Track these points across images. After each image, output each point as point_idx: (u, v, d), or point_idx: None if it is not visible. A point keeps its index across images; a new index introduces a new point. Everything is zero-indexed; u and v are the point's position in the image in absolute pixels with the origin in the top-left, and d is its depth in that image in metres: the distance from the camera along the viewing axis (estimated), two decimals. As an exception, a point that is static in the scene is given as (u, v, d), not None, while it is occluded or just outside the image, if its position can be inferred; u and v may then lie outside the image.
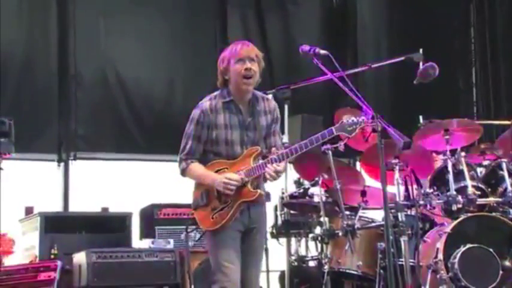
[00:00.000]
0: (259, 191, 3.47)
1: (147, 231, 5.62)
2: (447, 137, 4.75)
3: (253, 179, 3.46)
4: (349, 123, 3.39)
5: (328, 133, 3.43)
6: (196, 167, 3.54)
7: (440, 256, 4.36)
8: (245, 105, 3.56)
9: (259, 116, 3.57)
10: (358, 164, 6.36)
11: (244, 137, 3.53)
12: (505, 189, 4.72)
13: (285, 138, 4.85)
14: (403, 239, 4.31)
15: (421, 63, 4.88)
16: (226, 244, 3.44)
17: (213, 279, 3.44)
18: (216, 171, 3.50)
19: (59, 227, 5.34)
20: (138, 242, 5.61)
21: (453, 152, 4.78)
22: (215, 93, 3.60)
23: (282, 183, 5.01)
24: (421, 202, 4.59)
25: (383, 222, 4.22)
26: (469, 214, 4.55)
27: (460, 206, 4.58)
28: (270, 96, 3.85)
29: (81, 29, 6.49)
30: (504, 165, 4.77)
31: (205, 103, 3.55)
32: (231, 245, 3.44)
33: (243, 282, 3.47)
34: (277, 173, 3.42)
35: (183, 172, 3.58)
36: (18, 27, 6.35)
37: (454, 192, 4.60)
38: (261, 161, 3.46)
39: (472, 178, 4.75)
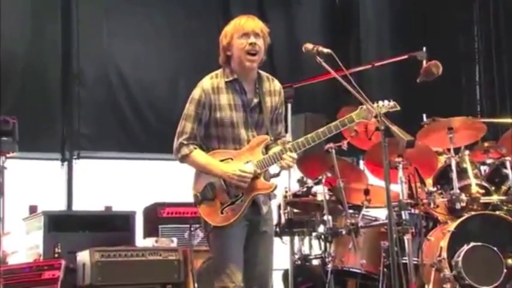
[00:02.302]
0: (275, 183, 3.30)
1: (150, 230, 5.63)
2: (451, 135, 4.75)
3: (265, 171, 3.29)
4: (369, 109, 3.27)
5: (348, 120, 3.32)
6: (200, 155, 3.28)
7: (444, 254, 4.36)
8: (250, 85, 3.32)
9: (264, 97, 3.32)
10: (361, 163, 6.36)
11: (248, 118, 3.30)
12: (509, 187, 4.71)
13: (288, 137, 4.84)
14: (407, 238, 4.30)
15: (424, 62, 4.87)
16: (231, 244, 3.28)
17: (217, 279, 3.30)
18: (220, 161, 3.27)
19: (62, 225, 5.36)
20: (141, 240, 5.62)
21: (457, 150, 4.78)
22: (216, 71, 3.35)
23: (285, 182, 5.00)
24: (425, 200, 4.58)
25: (386, 221, 4.22)
26: (473, 213, 4.54)
27: (463, 204, 4.57)
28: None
29: (84, 28, 6.50)
30: (508, 164, 4.76)
31: (206, 82, 3.29)
32: (236, 243, 3.29)
33: (251, 278, 3.32)
34: (294, 161, 3.27)
35: (183, 158, 3.30)
36: (22, 27, 6.37)
37: (458, 191, 4.60)
38: (272, 152, 3.27)
39: (476, 176, 4.74)
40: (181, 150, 3.31)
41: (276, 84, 3.44)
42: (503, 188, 4.76)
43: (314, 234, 4.95)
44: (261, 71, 3.41)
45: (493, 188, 4.75)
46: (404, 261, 4.24)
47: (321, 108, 6.63)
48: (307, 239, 5.17)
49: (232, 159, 3.29)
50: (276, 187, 3.33)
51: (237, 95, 3.31)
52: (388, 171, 3.38)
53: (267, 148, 3.35)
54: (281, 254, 5.03)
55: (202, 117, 3.29)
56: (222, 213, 3.26)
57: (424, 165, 4.73)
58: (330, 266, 4.55)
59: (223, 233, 3.28)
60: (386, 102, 3.47)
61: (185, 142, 3.30)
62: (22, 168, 5.98)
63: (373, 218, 4.70)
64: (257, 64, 3.32)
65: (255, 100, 3.34)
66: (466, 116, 5.03)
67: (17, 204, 5.47)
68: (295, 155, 3.27)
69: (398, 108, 3.43)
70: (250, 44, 3.25)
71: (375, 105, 3.40)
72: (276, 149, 3.31)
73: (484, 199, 4.64)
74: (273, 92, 3.40)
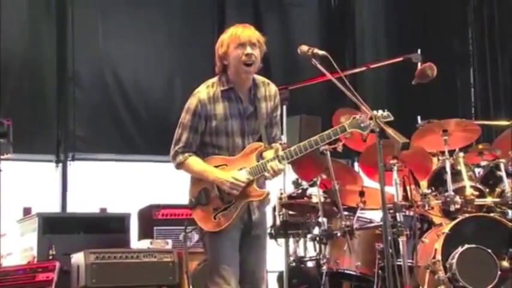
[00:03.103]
0: (266, 190, 3.34)
1: (145, 232, 5.62)
2: (445, 137, 4.76)
3: (258, 177, 3.31)
4: (362, 119, 3.28)
5: (340, 130, 3.32)
6: (195, 161, 3.34)
7: (439, 257, 4.36)
8: (245, 93, 3.37)
9: (260, 103, 3.37)
10: (356, 165, 6.37)
11: (244, 126, 3.35)
12: (503, 189, 4.72)
13: (284, 139, 4.85)
14: (401, 240, 4.31)
15: (419, 64, 4.89)
16: (226, 246, 3.30)
17: (212, 280, 3.31)
18: (215, 167, 3.32)
19: (57, 227, 5.34)
20: (136, 242, 5.61)
21: (451, 152, 4.79)
22: (212, 80, 3.40)
23: (280, 184, 5.01)
24: (419, 202, 4.59)
25: (381, 223, 4.22)
26: (467, 215, 4.55)
27: (458, 206, 4.58)
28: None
29: (80, 30, 6.49)
30: (502, 166, 4.77)
31: (202, 92, 3.35)
32: (231, 246, 3.31)
33: (244, 279, 3.34)
34: (277, 172, 3.27)
35: (179, 166, 3.38)
36: (18, 29, 6.35)
37: (452, 193, 4.61)
38: (265, 159, 3.29)
39: (470, 178, 4.76)
40: (177, 158, 3.38)
41: (272, 89, 3.47)
42: (498, 190, 4.77)
43: (309, 236, 4.96)
44: (256, 76, 3.43)
45: (487, 190, 4.76)
46: (398, 263, 4.24)
47: (316, 110, 6.63)
48: (302, 241, 5.18)
49: (227, 165, 3.33)
50: (268, 194, 3.36)
51: (233, 104, 3.35)
52: (383, 173, 3.38)
53: (262, 154, 3.36)
54: (276, 256, 5.03)
55: (198, 127, 3.34)
56: (214, 218, 3.31)
57: (419, 167, 4.73)
58: (324, 268, 4.55)
59: (218, 236, 3.31)
60: (380, 112, 3.45)
61: (180, 150, 3.37)
62: (17, 170, 5.97)
63: (368, 220, 4.71)
64: (253, 74, 3.37)
65: (251, 108, 3.38)
66: (460, 118, 5.05)
67: (11, 206, 5.45)
68: (281, 165, 3.26)
69: (392, 118, 3.41)
70: (247, 55, 3.29)
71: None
72: (269, 156, 3.33)
73: (478, 201, 4.65)
74: (268, 96, 3.43)
